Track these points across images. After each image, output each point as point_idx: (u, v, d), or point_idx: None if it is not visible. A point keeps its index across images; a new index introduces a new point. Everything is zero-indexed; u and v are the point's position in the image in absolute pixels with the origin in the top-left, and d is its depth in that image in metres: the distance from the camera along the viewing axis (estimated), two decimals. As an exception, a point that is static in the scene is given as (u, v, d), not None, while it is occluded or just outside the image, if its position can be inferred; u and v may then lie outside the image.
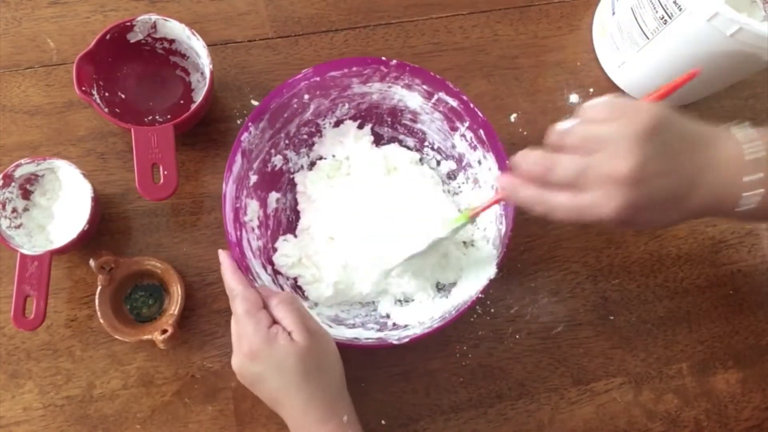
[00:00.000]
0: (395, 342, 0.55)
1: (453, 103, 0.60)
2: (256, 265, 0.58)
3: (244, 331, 0.48)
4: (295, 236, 0.63)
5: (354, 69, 0.61)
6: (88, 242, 0.62)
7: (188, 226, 0.64)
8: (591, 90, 0.71)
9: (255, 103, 0.68)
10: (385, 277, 0.61)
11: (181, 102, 0.67)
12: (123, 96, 0.65)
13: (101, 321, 0.57)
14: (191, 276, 0.62)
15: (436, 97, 0.61)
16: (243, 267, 0.55)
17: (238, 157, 0.58)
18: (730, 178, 0.42)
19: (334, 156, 0.65)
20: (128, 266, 0.59)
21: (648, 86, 0.70)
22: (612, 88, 0.71)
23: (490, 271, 0.56)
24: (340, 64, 0.60)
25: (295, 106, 0.61)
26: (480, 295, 0.55)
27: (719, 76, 0.66)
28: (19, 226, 0.59)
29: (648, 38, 0.63)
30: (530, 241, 0.66)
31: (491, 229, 0.60)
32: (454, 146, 0.64)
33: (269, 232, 0.62)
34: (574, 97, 0.71)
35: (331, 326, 0.58)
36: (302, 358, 0.47)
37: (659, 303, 0.66)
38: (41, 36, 0.69)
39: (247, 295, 0.49)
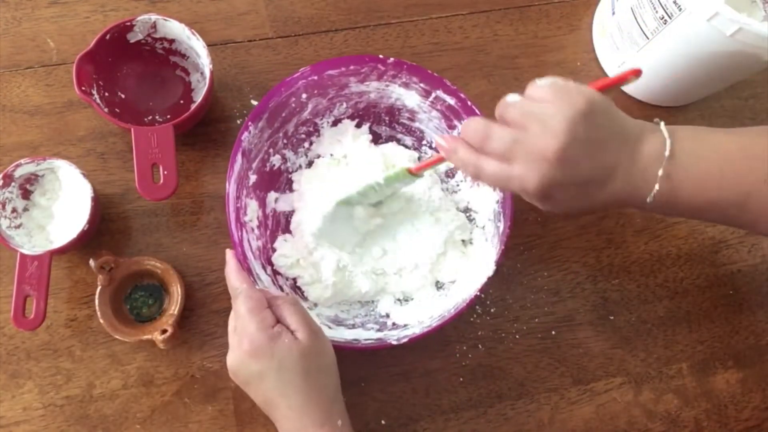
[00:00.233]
0: (394, 342, 0.55)
1: (451, 101, 0.60)
2: (256, 265, 0.58)
3: (246, 329, 0.48)
4: (292, 235, 0.63)
5: (351, 68, 0.61)
6: (88, 242, 0.62)
7: (188, 226, 0.64)
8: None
9: (255, 103, 0.68)
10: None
11: (181, 102, 0.67)
12: (123, 96, 0.65)
13: (101, 321, 0.57)
14: (191, 276, 0.62)
15: (433, 95, 0.61)
16: (245, 267, 0.55)
17: (239, 157, 0.58)
18: (647, 170, 0.45)
19: (332, 155, 0.65)
20: (128, 266, 0.59)
21: (648, 86, 0.70)
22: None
23: (489, 270, 0.56)
24: (337, 63, 0.60)
25: (293, 105, 0.61)
26: (478, 294, 0.55)
27: (719, 76, 0.66)
28: (19, 226, 0.59)
29: (648, 38, 0.63)
30: (530, 241, 0.66)
31: (489, 227, 0.60)
32: None
33: (268, 232, 0.62)
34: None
35: (330, 327, 0.58)
36: (303, 358, 0.47)
37: (659, 303, 0.66)
38: (41, 36, 0.69)
39: (252, 294, 0.49)
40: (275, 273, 0.61)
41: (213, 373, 0.60)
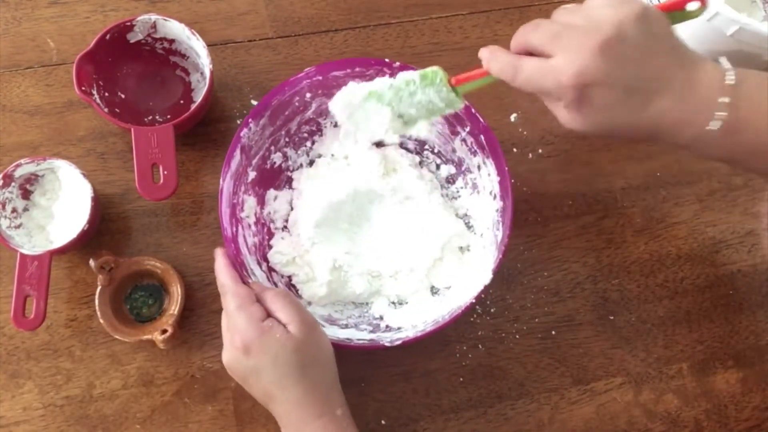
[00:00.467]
0: (387, 344, 0.55)
1: None
2: (251, 261, 0.58)
3: (236, 325, 0.48)
4: (289, 233, 0.63)
5: (357, 69, 0.60)
6: (88, 242, 0.62)
7: (188, 226, 0.64)
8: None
9: (255, 103, 0.68)
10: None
11: (181, 102, 0.67)
12: (123, 96, 0.65)
13: (101, 321, 0.57)
14: (191, 276, 0.62)
15: None
16: (238, 263, 0.55)
17: (237, 153, 0.58)
18: (706, 96, 0.42)
19: (333, 155, 0.65)
20: (128, 266, 0.59)
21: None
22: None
23: (485, 277, 0.56)
24: (343, 64, 0.60)
25: (297, 104, 0.62)
26: (473, 301, 0.55)
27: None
28: (19, 226, 0.59)
29: (648, 38, 0.63)
30: (530, 241, 0.66)
31: (488, 235, 0.60)
32: (454, 150, 0.64)
33: (266, 229, 0.62)
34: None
35: (324, 326, 0.58)
36: (298, 350, 0.47)
37: (659, 303, 0.66)
38: (41, 36, 0.69)
39: (238, 291, 0.49)
40: (270, 270, 0.61)
41: (213, 373, 0.60)
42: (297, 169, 0.65)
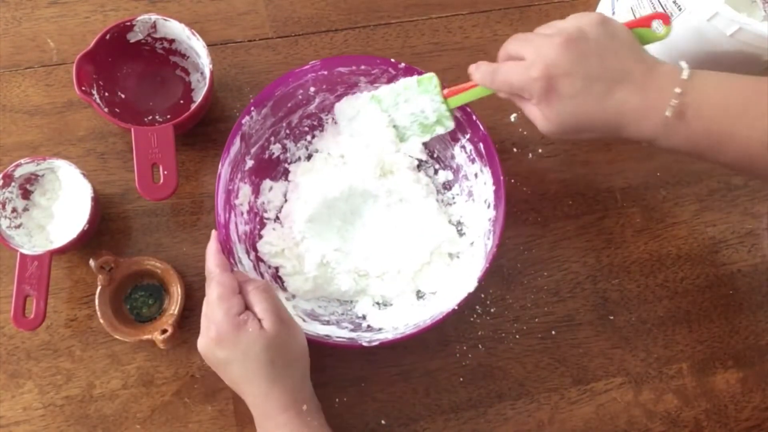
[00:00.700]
0: (365, 344, 0.55)
1: (457, 113, 0.60)
2: (239, 249, 0.58)
3: (213, 315, 0.49)
4: (281, 224, 0.63)
5: (362, 67, 0.61)
6: (88, 242, 0.62)
7: (188, 226, 0.64)
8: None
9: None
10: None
11: (181, 102, 0.67)
12: (123, 96, 0.65)
13: (101, 321, 0.57)
14: (191, 276, 0.62)
15: None
16: (226, 250, 0.55)
17: (237, 140, 0.58)
18: (662, 88, 0.46)
19: (329, 154, 0.65)
20: (128, 266, 0.59)
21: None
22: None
23: (471, 285, 0.55)
24: (348, 61, 0.60)
25: (300, 97, 0.62)
26: (455, 308, 0.55)
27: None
28: (19, 226, 0.59)
29: (648, 38, 0.63)
30: (530, 241, 0.66)
31: (479, 244, 0.60)
32: (453, 156, 0.64)
33: (258, 219, 0.63)
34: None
35: (305, 320, 0.58)
36: (268, 347, 0.48)
37: (659, 303, 0.66)
38: (41, 36, 0.69)
39: (222, 280, 0.50)
40: (258, 259, 0.61)
41: (213, 373, 0.60)
42: (295, 161, 0.65)
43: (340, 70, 0.61)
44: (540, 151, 0.69)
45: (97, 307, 0.58)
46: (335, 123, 0.65)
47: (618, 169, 0.69)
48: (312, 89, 0.61)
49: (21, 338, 0.60)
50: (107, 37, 0.61)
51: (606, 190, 0.69)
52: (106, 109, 0.60)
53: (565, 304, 0.65)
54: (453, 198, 0.65)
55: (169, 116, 0.66)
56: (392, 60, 0.60)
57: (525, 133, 0.69)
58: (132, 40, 0.64)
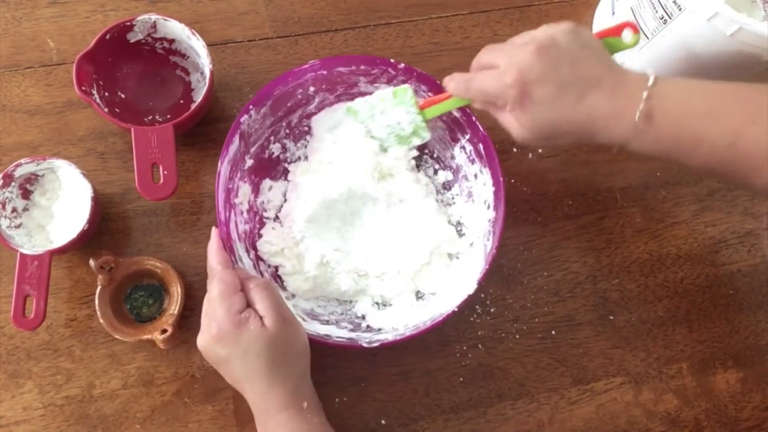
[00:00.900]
0: (365, 345, 0.55)
1: (456, 113, 0.60)
2: (239, 247, 0.58)
3: (215, 313, 0.49)
4: (281, 223, 0.63)
5: (362, 67, 0.61)
6: (88, 242, 0.62)
7: (188, 226, 0.64)
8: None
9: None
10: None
11: (181, 102, 0.67)
12: (123, 96, 0.65)
13: (101, 321, 0.57)
14: (191, 276, 0.62)
15: None
16: (227, 247, 0.55)
17: (236, 139, 0.58)
18: (632, 94, 0.47)
19: (314, 160, 0.65)
20: (128, 266, 0.59)
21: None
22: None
23: (470, 287, 0.55)
24: (348, 61, 0.60)
25: (300, 96, 0.62)
26: (455, 309, 0.55)
27: (719, 76, 0.66)
28: (19, 226, 0.59)
29: (648, 38, 0.63)
30: (530, 241, 0.66)
31: (478, 245, 0.60)
32: (453, 157, 0.64)
33: (257, 218, 0.63)
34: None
35: (304, 320, 0.58)
36: (269, 345, 0.48)
37: (659, 303, 0.66)
38: (41, 36, 0.69)
39: (224, 277, 0.50)
40: (258, 258, 0.61)
41: (213, 373, 0.60)
42: (294, 161, 0.65)
43: (339, 69, 0.61)
44: (540, 151, 0.69)
45: (97, 307, 0.58)
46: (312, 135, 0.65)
47: (618, 169, 0.69)
48: (311, 89, 0.62)
49: (21, 338, 0.60)
50: (107, 37, 0.61)
51: (606, 190, 0.69)
52: (106, 109, 0.60)
53: (565, 304, 0.65)
54: (452, 198, 0.65)
55: (169, 116, 0.66)
56: (392, 60, 0.60)
57: (525, 133, 0.69)
58: (132, 40, 0.64)
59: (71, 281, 0.62)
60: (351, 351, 0.61)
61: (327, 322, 0.60)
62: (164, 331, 0.56)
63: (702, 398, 0.63)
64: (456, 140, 0.62)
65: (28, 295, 0.55)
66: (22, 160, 0.58)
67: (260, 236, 0.62)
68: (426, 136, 0.61)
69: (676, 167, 0.69)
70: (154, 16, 0.62)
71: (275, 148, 0.64)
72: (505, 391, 0.62)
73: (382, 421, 0.60)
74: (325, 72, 0.60)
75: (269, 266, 0.61)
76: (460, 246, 0.62)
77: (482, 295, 0.64)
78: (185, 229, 0.64)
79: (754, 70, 0.63)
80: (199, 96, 0.64)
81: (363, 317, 0.61)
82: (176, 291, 0.59)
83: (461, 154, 0.63)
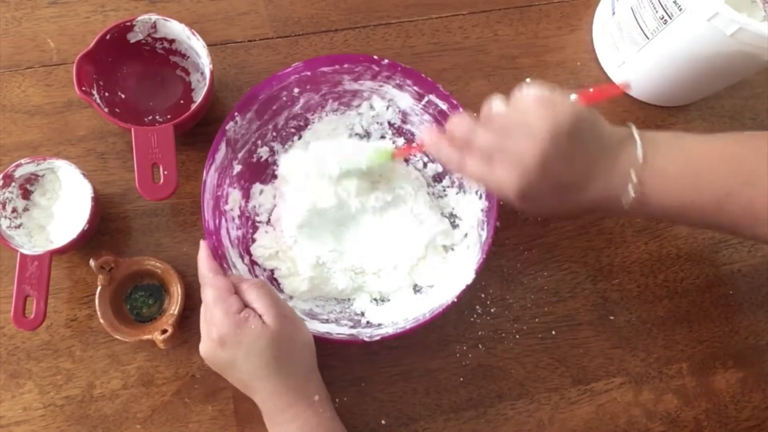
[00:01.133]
0: (366, 339, 0.55)
1: (443, 106, 0.60)
2: (233, 254, 0.58)
3: (213, 318, 0.49)
4: (273, 227, 0.63)
5: (345, 66, 0.61)
6: (88, 242, 0.62)
7: (188, 226, 0.64)
8: (591, 90, 0.71)
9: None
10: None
11: (181, 102, 0.67)
12: (123, 96, 0.65)
13: (101, 321, 0.57)
14: (191, 276, 0.62)
15: (426, 99, 0.61)
16: (218, 255, 0.55)
17: (222, 146, 0.58)
18: (623, 175, 0.46)
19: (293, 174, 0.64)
20: (128, 266, 0.59)
21: (648, 86, 0.70)
22: (612, 88, 0.71)
23: (468, 277, 0.55)
24: (330, 60, 0.60)
25: (285, 98, 0.62)
26: (454, 300, 0.55)
27: (719, 76, 0.66)
28: (19, 226, 0.59)
29: (648, 38, 0.63)
30: (530, 241, 0.66)
31: (473, 235, 0.60)
32: None
33: (250, 223, 0.63)
34: (574, 97, 0.71)
35: (304, 320, 0.58)
36: (272, 342, 0.48)
37: (659, 303, 0.66)
38: (41, 36, 0.69)
39: (216, 282, 0.50)
40: (253, 263, 0.61)
41: (213, 373, 0.60)
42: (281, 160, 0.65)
43: (323, 70, 0.61)
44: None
45: (97, 307, 0.58)
46: (320, 120, 0.64)
47: (618, 169, 0.69)
48: (296, 90, 0.61)
49: (21, 338, 0.60)
50: (107, 37, 0.61)
51: (606, 190, 0.69)
52: (106, 109, 0.60)
53: (565, 304, 0.65)
54: (444, 190, 0.65)
55: (169, 116, 0.66)
56: (375, 57, 0.60)
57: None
58: (132, 40, 0.64)
59: (71, 281, 0.62)
60: (351, 351, 0.61)
61: (327, 321, 0.60)
62: (164, 331, 0.56)
63: (702, 398, 0.63)
64: (443, 132, 0.62)
65: (29, 296, 0.55)
66: (22, 160, 0.58)
67: (254, 241, 0.62)
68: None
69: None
70: (154, 17, 0.62)
71: (263, 152, 0.64)
72: (505, 391, 0.62)
73: (382, 421, 0.60)
74: (309, 73, 0.61)
75: (265, 270, 0.61)
76: (454, 238, 0.63)
77: (482, 295, 0.64)
78: (185, 229, 0.64)
79: (754, 69, 0.63)
80: (199, 96, 0.63)
81: (362, 314, 0.61)
82: (176, 291, 0.59)
83: None
